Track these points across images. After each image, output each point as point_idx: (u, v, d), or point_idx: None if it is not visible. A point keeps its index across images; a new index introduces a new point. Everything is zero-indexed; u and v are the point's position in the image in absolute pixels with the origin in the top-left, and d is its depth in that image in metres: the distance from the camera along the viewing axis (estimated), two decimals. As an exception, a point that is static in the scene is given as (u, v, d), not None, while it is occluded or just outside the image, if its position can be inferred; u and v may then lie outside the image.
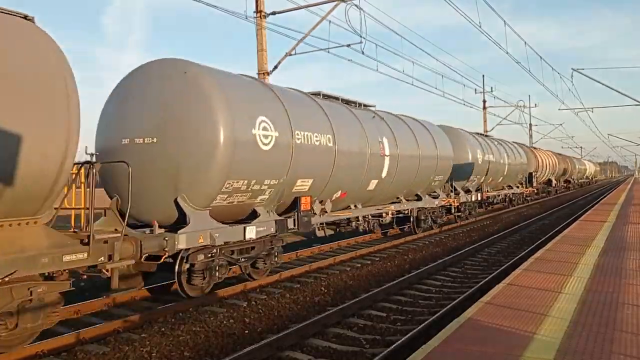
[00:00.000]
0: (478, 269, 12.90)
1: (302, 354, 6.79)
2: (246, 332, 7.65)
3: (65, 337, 7.05)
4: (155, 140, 8.82)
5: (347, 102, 14.71)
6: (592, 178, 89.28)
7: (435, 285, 10.90)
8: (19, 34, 6.05)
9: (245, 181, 9.40)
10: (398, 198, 16.62)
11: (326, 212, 12.34)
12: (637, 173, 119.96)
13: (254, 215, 10.18)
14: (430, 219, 19.04)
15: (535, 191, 38.81)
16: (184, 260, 8.62)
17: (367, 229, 15.27)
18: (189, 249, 8.59)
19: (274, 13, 16.91)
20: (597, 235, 13.87)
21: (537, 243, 15.81)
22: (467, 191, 23.23)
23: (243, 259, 9.91)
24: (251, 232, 9.71)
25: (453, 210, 21.43)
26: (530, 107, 55.15)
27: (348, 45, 17.43)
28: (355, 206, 14.11)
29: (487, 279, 10.70)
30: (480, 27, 19.17)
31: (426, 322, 7.66)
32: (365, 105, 15.60)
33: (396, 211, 16.41)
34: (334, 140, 12.02)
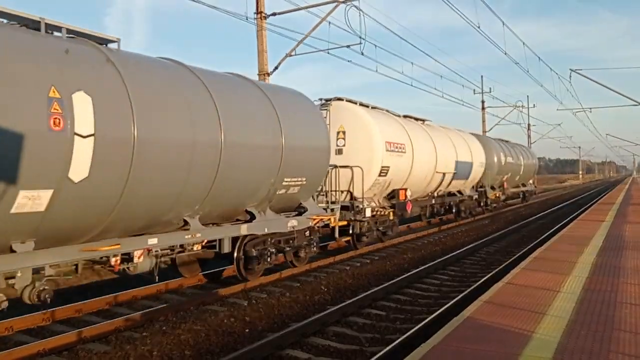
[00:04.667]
0: (477, 267, 12.95)
1: (302, 352, 6.83)
2: (247, 330, 7.68)
3: (67, 335, 7.09)
4: None
5: None
6: (497, 197, 27.37)
7: (434, 284, 10.94)
8: None
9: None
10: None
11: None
12: (635, 173, 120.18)
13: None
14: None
15: None
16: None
17: None
18: None
19: (274, 14, 16.92)
20: (596, 235, 13.91)
21: (535, 242, 15.85)
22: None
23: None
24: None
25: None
26: (528, 108, 54.85)
27: (348, 46, 17.43)
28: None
29: (485, 278, 10.75)
30: (479, 28, 19.25)
31: (425, 321, 7.70)
32: None
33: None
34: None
